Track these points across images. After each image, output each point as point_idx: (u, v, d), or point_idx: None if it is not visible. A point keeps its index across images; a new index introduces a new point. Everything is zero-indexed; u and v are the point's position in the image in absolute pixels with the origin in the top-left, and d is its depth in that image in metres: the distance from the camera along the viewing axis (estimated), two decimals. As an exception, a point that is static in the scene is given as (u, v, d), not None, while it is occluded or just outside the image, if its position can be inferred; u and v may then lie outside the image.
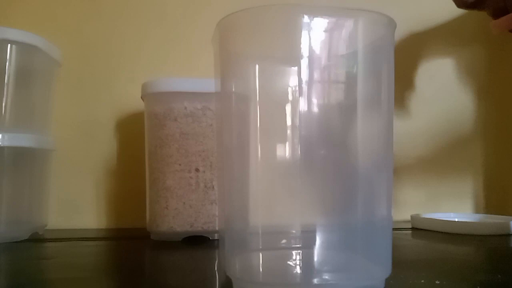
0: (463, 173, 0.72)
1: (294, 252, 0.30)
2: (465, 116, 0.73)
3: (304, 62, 0.27)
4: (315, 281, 0.26)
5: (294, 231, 0.30)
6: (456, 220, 0.59)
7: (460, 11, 0.68)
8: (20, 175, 0.51)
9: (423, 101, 0.71)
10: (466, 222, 0.57)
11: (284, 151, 0.28)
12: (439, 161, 0.72)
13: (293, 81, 0.27)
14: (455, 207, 0.71)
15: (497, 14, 0.51)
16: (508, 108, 0.73)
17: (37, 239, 0.51)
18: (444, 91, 0.72)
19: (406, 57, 0.70)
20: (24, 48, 0.51)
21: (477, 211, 0.71)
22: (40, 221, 0.55)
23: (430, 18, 0.72)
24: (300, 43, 0.27)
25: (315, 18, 0.27)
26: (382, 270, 0.27)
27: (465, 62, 0.73)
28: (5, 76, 0.49)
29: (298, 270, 0.29)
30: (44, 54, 0.53)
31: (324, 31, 0.27)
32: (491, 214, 0.62)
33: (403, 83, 0.71)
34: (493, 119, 0.73)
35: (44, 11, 0.63)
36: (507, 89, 0.73)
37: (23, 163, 0.52)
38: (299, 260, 0.30)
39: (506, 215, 0.59)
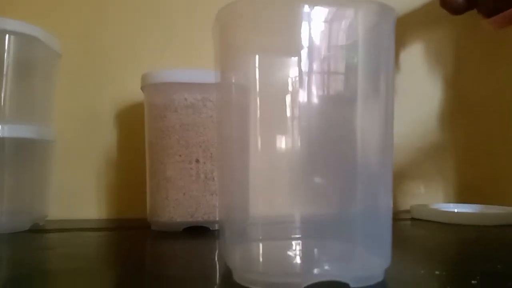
0: (463, 164, 0.72)
1: (294, 243, 0.30)
2: (459, 105, 0.73)
3: (304, 53, 0.27)
4: (315, 271, 0.26)
5: (294, 222, 0.30)
6: (456, 210, 0.59)
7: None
8: (20, 166, 0.52)
9: (423, 92, 0.71)
10: (466, 212, 0.57)
11: (284, 142, 0.28)
12: (439, 151, 0.72)
13: (293, 72, 0.27)
14: (455, 197, 0.71)
15: (490, 13, 0.51)
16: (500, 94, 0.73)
17: (37, 229, 0.51)
18: (438, 82, 0.72)
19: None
20: (23, 39, 0.50)
21: (476, 201, 0.71)
22: (40, 212, 0.55)
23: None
24: (300, 34, 0.27)
25: (315, 8, 0.26)
26: (382, 260, 0.27)
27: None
28: (3, 67, 0.49)
29: (298, 260, 0.29)
30: (44, 45, 0.53)
31: (324, 21, 0.27)
32: (490, 204, 0.62)
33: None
34: (487, 106, 0.73)
35: (44, 1, 0.63)
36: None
37: (23, 154, 0.52)
38: (299, 250, 0.30)
39: (504, 205, 0.59)
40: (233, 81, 0.30)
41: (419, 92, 0.71)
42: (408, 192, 0.70)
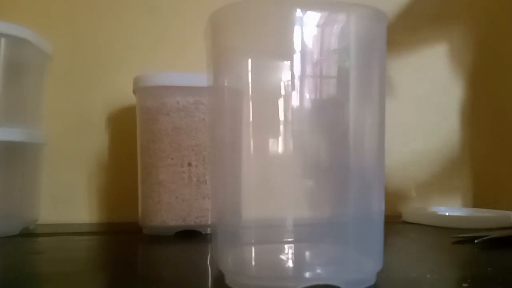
0: (454, 167, 0.73)
1: (286, 246, 0.30)
2: (454, 109, 0.73)
3: (297, 57, 0.27)
4: (307, 274, 0.26)
5: (286, 225, 0.30)
6: (447, 214, 0.59)
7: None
8: (11, 170, 0.51)
9: (415, 95, 0.71)
10: (457, 216, 0.57)
11: (277, 145, 0.28)
12: (430, 155, 0.72)
13: (285, 76, 0.27)
14: (446, 201, 0.71)
15: None
16: (497, 97, 0.74)
17: (28, 234, 0.51)
18: (435, 86, 0.73)
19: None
20: (14, 42, 0.50)
21: (467, 205, 0.72)
22: (31, 216, 0.55)
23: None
24: (293, 38, 0.27)
25: (307, 12, 0.26)
26: (374, 263, 0.27)
27: (452, 51, 0.73)
28: (-6, 70, 0.49)
29: (290, 263, 0.29)
30: (35, 48, 0.53)
31: (317, 25, 0.27)
32: (481, 208, 0.63)
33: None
34: (482, 110, 0.74)
35: (35, 4, 0.62)
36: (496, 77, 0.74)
37: (14, 158, 0.51)
38: (291, 254, 0.30)
39: (496, 209, 0.60)
40: (226, 84, 0.30)
41: (414, 95, 0.72)
42: (400, 195, 0.70)
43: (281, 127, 0.28)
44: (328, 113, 0.29)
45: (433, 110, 0.72)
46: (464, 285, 0.27)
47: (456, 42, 0.73)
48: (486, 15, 0.74)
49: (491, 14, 0.74)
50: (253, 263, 0.30)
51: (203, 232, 0.49)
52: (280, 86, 0.28)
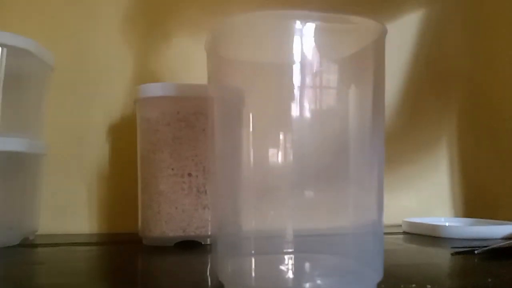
0: (453, 177, 0.73)
1: (286, 257, 0.30)
2: (452, 116, 0.74)
3: (296, 68, 0.27)
4: (307, 285, 0.26)
5: (286, 236, 0.30)
6: (447, 224, 0.59)
7: None
8: (11, 180, 0.51)
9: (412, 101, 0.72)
10: (457, 226, 0.57)
11: (277, 156, 0.28)
12: (430, 165, 0.72)
13: (285, 86, 0.27)
14: (446, 211, 0.71)
15: None
16: (497, 104, 0.74)
17: (27, 244, 0.51)
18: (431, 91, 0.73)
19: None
20: (16, 52, 0.50)
21: (467, 215, 0.71)
22: (31, 226, 0.55)
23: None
24: (292, 49, 0.27)
25: (307, 24, 0.27)
26: (374, 274, 0.27)
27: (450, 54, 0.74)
28: (-4, 80, 0.49)
29: (290, 274, 0.29)
30: (37, 58, 0.53)
31: (316, 36, 0.27)
32: (481, 218, 0.63)
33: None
34: (481, 118, 0.74)
35: (37, 14, 0.63)
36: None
37: (14, 168, 0.51)
38: (291, 264, 0.30)
39: (495, 219, 0.60)
40: (226, 95, 0.30)
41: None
42: (400, 206, 0.70)
43: (281, 137, 0.28)
44: (328, 123, 0.29)
45: (431, 118, 0.73)
46: (464, 296, 0.27)
47: (453, 46, 0.74)
48: (484, 18, 0.75)
49: (488, 16, 0.75)
50: (253, 273, 0.30)
51: (203, 243, 0.49)
52: (280, 96, 0.28)
